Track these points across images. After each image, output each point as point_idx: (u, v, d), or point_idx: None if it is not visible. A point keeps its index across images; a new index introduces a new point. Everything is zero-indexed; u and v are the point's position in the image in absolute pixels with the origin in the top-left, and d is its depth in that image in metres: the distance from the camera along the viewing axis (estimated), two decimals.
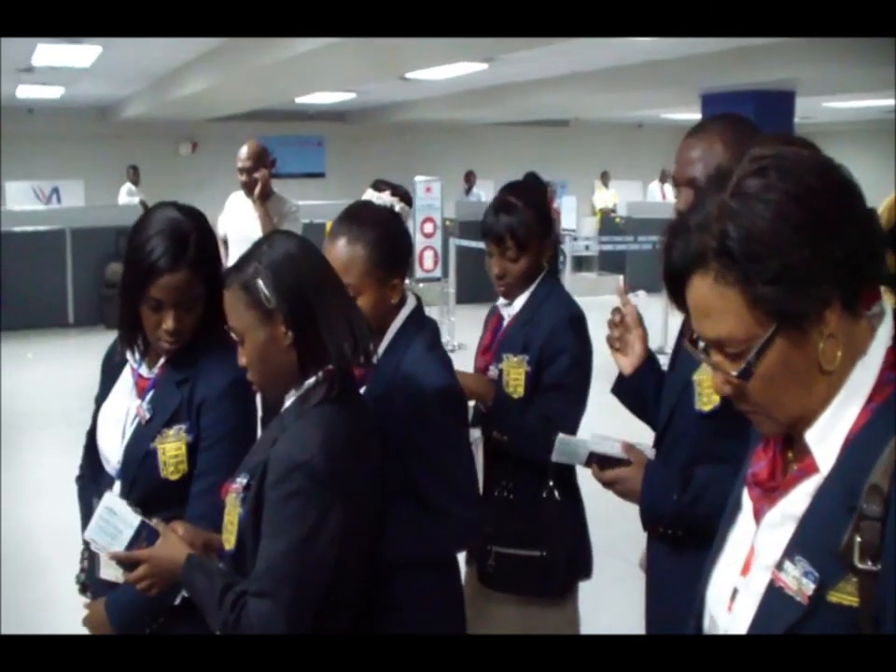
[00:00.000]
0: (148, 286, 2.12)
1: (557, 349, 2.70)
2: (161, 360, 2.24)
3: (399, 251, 2.29)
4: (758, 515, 1.27)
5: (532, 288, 2.78)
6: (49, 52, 9.69)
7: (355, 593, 1.97)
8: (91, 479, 2.34)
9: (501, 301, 2.88)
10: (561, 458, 2.27)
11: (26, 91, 13.42)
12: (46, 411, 6.57)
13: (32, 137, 16.06)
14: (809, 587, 1.12)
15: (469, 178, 17.01)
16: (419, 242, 10.38)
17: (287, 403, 1.95)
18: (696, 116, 13.31)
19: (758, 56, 9.73)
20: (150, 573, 1.98)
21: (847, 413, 1.18)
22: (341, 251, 2.21)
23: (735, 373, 1.18)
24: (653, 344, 2.46)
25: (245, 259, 1.92)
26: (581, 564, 2.78)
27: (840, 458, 1.16)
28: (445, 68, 10.91)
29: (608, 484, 2.19)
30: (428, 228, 10.47)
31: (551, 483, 2.48)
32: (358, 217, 2.26)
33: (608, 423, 2.50)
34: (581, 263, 15.27)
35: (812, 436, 1.20)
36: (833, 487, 1.15)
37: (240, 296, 1.88)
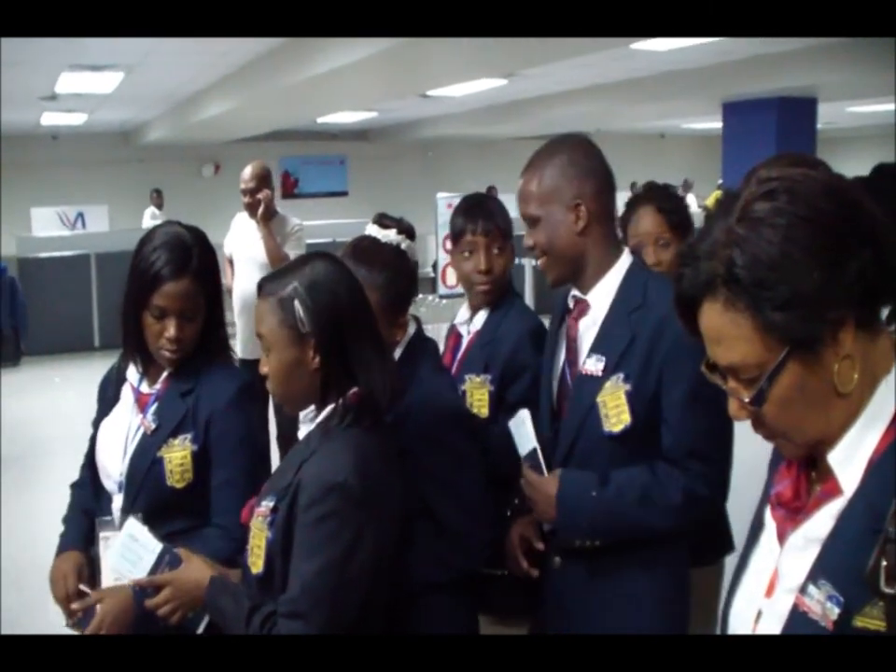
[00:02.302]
0: (152, 294, 2.19)
1: (520, 366, 2.64)
2: (164, 375, 2.29)
3: (406, 291, 2.30)
4: (782, 537, 1.25)
5: (492, 305, 2.74)
6: (73, 80, 9.78)
7: (380, 616, 1.95)
8: (94, 496, 2.36)
9: (459, 318, 2.83)
10: (513, 430, 2.32)
11: (50, 119, 13.55)
12: (73, 434, 6.69)
13: (56, 163, 16.23)
14: (834, 612, 1.10)
15: (491, 193, 17.03)
16: (442, 258, 10.35)
17: (311, 427, 1.94)
18: (718, 125, 13.28)
19: (779, 63, 9.69)
20: (173, 597, 1.98)
21: (870, 435, 1.16)
22: None
23: (747, 399, 1.17)
24: None
25: (283, 274, 1.93)
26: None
27: (864, 480, 1.14)
28: (466, 85, 10.94)
29: (526, 488, 2.22)
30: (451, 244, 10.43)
31: (516, 501, 2.44)
32: (367, 261, 2.24)
33: None
34: None
35: (835, 458, 1.17)
36: (857, 510, 1.13)
37: (275, 311, 1.89)
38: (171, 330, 2.20)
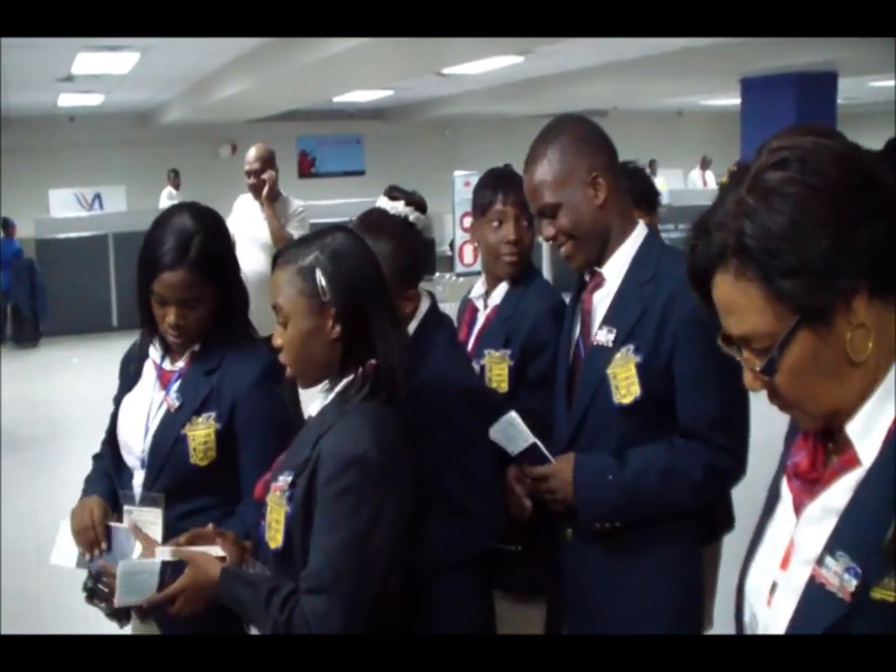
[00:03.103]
0: (153, 281, 2.21)
1: (541, 342, 2.62)
2: (187, 353, 2.30)
3: (413, 263, 2.27)
4: (798, 508, 1.24)
5: (513, 280, 2.73)
6: (89, 60, 9.79)
7: (398, 594, 1.95)
8: (115, 471, 2.36)
9: (475, 292, 2.82)
10: (496, 436, 2.28)
11: (67, 100, 13.57)
12: (91, 415, 6.73)
13: (73, 145, 16.26)
14: (852, 583, 1.09)
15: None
16: (459, 236, 10.33)
17: (327, 400, 1.94)
18: (736, 101, 13.17)
19: (797, 39, 9.58)
20: (189, 603, 1.95)
21: (889, 406, 1.15)
22: None
23: (759, 369, 1.16)
24: None
25: (303, 244, 1.93)
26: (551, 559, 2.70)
27: (883, 452, 1.13)
28: (482, 62, 10.88)
29: (537, 481, 2.22)
30: (468, 222, 10.43)
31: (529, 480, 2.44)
32: (373, 230, 2.23)
33: None
34: None
35: (853, 429, 1.16)
36: (875, 481, 1.12)
37: (294, 280, 1.88)
38: (171, 317, 2.22)
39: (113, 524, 2.28)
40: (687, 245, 1.23)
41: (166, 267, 2.19)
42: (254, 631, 1.94)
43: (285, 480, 1.89)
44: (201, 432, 2.23)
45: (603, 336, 2.17)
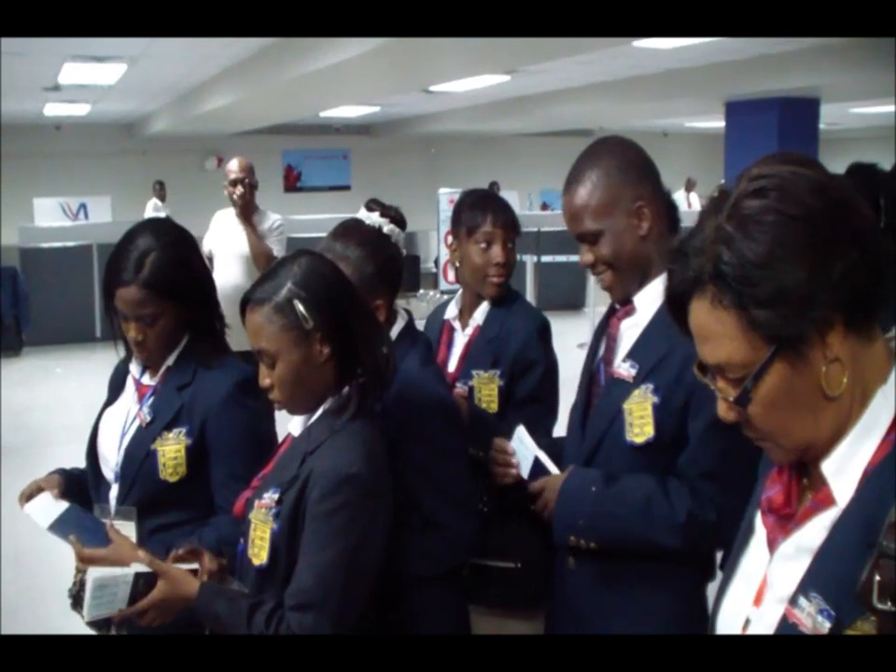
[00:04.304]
0: (112, 296, 2.25)
1: (530, 361, 2.66)
2: (163, 368, 2.30)
3: (382, 272, 2.25)
4: (772, 545, 1.23)
5: (495, 300, 2.75)
6: (76, 70, 9.78)
7: (373, 607, 1.96)
8: (94, 485, 2.37)
9: (450, 313, 2.84)
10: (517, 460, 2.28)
11: (53, 109, 13.55)
12: (73, 425, 6.71)
13: (59, 154, 16.21)
14: (825, 626, 1.08)
15: (494, 190, 17.01)
16: (443, 254, 10.35)
17: (313, 418, 1.95)
18: (720, 124, 13.27)
19: (782, 63, 9.69)
20: (160, 616, 1.95)
21: (865, 445, 1.13)
22: None
23: (732, 399, 1.16)
24: None
25: (270, 280, 1.91)
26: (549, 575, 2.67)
27: (858, 492, 1.12)
28: (468, 80, 10.92)
29: (532, 498, 2.18)
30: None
31: (495, 488, 2.42)
32: (344, 236, 2.26)
33: None
34: None
35: (829, 467, 1.15)
36: (850, 522, 1.10)
37: (273, 319, 1.87)
38: (131, 332, 2.25)
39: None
40: (666, 269, 1.22)
41: (121, 283, 2.22)
42: None
43: (270, 497, 1.88)
44: (171, 447, 2.22)
45: (625, 370, 2.08)
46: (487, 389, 2.66)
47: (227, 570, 2.03)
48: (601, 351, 2.21)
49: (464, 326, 2.81)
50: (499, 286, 2.74)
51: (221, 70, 10.53)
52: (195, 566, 2.00)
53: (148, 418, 2.26)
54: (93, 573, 1.93)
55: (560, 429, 2.63)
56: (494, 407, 2.65)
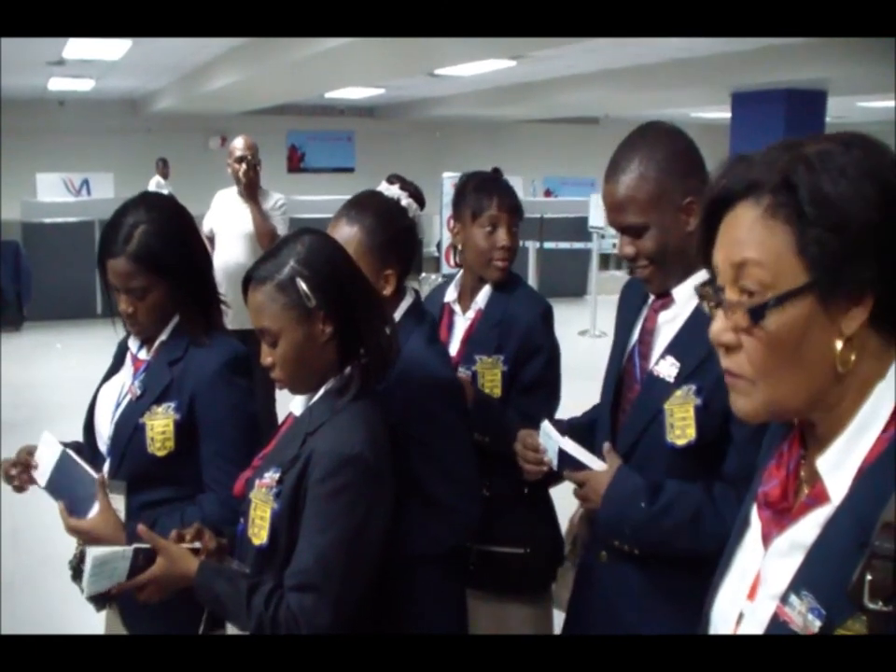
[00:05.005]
0: (104, 268, 2.27)
1: (534, 347, 2.66)
2: (157, 343, 2.32)
3: (394, 242, 2.25)
4: (766, 539, 1.21)
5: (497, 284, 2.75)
6: (80, 45, 9.74)
7: (374, 587, 1.97)
8: (90, 459, 2.36)
9: (449, 296, 2.83)
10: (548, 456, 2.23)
11: (57, 84, 13.50)
12: (73, 401, 6.70)
13: (63, 130, 16.18)
14: (815, 624, 1.06)
15: (496, 175, 16.95)
16: (446, 238, 10.34)
17: (315, 398, 1.95)
18: (726, 114, 13.23)
19: (789, 55, 9.66)
20: (158, 592, 1.95)
21: (861, 441, 1.11)
22: (338, 232, 2.21)
23: (747, 309, 1.11)
24: None
25: (273, 258, 1.90)
26: (557, 559, 2.66)
27: (853, 489, 1.10)
28: (474, 65, 10.90)
29: (576, 485, 2.11)
30: None
31: (528, 482, 2.41)
32: (361, 203, 2.27)
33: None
34: (608, 261, 15.22)
35: (824, 464, 1.13)
36: (844, 520, 1.09)
37: (276, 297, 1.86)
38: (122, 305, 2.27)
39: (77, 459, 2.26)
40: (717, 174, 1.18)
41: (110, 255, 2.24)
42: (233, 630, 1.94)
43: (271, 476, 1.88)
44: (159, 422, 2.22)
45: (665, 369, 2.00)
46: (491, 374, 2.66)
47: (226, 550, 2.03)
48: (632, 341, 2.14)
49: (464, 309, 2.81)
50: (503, 270, 2.74)
51: (227, 49, 10.50)
52: (197, 545, 2.00)
53: (139, 392, 2.27)
54: (93, 550, 1.93)
55: (562, 414, 2.64)
56: (497, 392, 2.65)
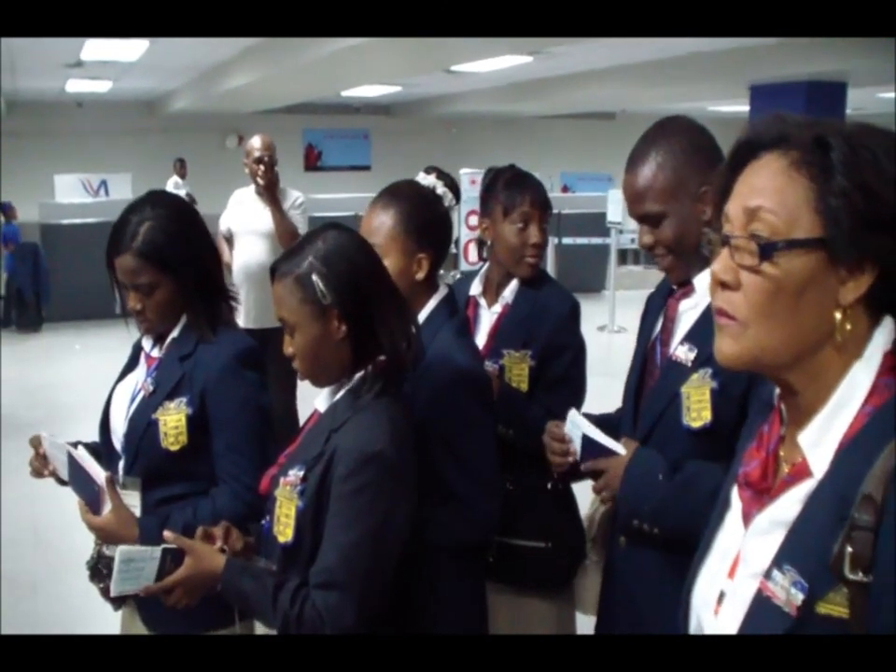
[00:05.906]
0: (112, 266, 2.29)
1: (562, 343, 2.66)
2: (168, 341, 2.33)
3: (429, 227, 2.25)
4: (747, 519, 1.22)
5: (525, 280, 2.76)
6: (98, 47, 9.80)
7: (396, 581, 1.95)
8: (106, 457, 2.38)
9: (474, 290, 2.83)
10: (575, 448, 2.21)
11: (75, 86, 13.59)
12: (92, 401, 6.73)
13: (80, 131, 16.28)
14: (798, 598, 1.07)
15: None
16: (464, 234, 10.35)
17: (338, 395, 1.95)
18: (744, 108, 13.17)
19: (808, 47, 9.59)
20: (187, 594, 1.94)
21: (841, 416, 1.13)
22: (373, 215, 2.23)
23: (757, 246, 1.12)
24: None
25: (296, 252, 1.92)
26: (579, 554, 2.64)
27: (833, 464, 1.11)
28: (490, 61, 10.89)
29: (594, 475, 2.10)
30: (473, 220, 10.46)
31: (555, 475, 2.39)
32: (397, 189, 2.28)
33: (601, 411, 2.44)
34: (626, 256, 15.19)
35: (806, 439, 1.14)
36: (824, 494, 1.10)
37: (294, 290, 1.88)
38: (130, 301, 2.29)
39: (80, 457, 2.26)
40: (751, 124, 1.21)
41: (117, 252, 2.26)
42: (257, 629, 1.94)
43: (296, 474, 1.89)
44: (172, 417, 2.24)
45: (683, 353, 2.03)
46: (518, 369, 2.66)
47: (252, 548, 2.04)
48: (656, 331, 2.17)
49: (490, 303, 2.81)
50: (535, 266, 2.75)
51: (243, 49, 10.53)
52: (219, 544, 2.00)
53: (151, 388, 2.29)
54: (121, 548, 1.94)
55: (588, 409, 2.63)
56: (524, 387, 2.65)
